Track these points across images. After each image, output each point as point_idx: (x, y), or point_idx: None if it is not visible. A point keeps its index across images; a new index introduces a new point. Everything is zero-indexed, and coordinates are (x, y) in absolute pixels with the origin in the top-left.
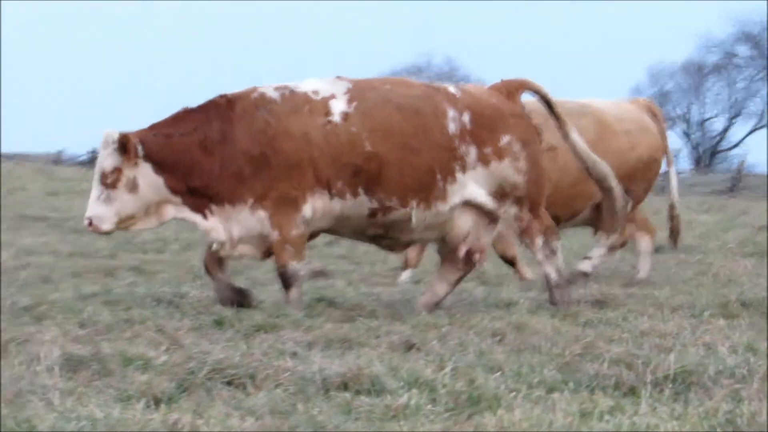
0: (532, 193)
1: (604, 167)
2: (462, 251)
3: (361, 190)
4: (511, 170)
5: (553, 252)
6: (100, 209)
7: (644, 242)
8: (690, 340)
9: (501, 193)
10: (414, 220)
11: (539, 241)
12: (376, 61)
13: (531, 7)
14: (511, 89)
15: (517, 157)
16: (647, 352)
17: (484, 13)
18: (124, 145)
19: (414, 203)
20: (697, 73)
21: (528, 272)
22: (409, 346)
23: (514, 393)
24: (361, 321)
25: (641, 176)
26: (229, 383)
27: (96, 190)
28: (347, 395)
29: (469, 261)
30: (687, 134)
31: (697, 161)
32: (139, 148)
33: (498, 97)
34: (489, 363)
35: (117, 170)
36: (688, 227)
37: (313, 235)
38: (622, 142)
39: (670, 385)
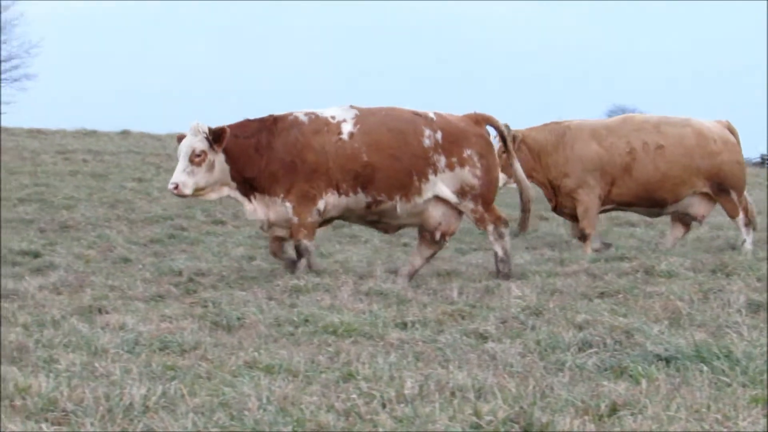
0: (485, 192)
1: (531, 192)
2: (438, 235)
3: (359, 189)
4: (469, 175)
5: (501, 236)
6: (184, 178)
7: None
8: None
9: (462, 192)
10: (399, 209)
11: (491, 227)
12: None
13: None
14: (479, 119)
15: (476, 165)
16: None
17: None
18: (219, 136)
19: (397, 197)
20: None
21: (589, 249)
22: None
23: None
24: None
25: (731, 175)
26: None
27: (183, 163)
28: None
29: (440, 241)
30: None
31: None
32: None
33: (467, 122)
34: None
35: (204, 153)
36: None
37: (328, 221)
38: (711, 148)
39: None
